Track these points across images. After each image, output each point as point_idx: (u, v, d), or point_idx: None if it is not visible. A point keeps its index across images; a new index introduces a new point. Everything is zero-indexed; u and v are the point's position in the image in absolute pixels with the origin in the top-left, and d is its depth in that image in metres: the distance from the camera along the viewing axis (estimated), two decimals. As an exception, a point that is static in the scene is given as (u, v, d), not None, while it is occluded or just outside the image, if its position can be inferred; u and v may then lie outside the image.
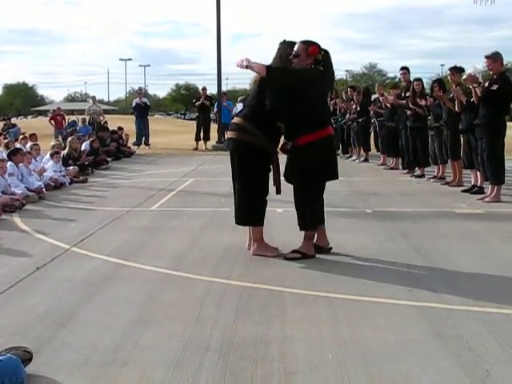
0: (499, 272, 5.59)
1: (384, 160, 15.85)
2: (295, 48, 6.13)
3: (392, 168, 14.98)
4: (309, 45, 6.11)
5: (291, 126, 6.14)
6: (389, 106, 14.66)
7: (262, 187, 6.27)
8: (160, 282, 5.47)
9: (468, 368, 3.57)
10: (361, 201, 10.02)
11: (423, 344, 3.93)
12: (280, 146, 6.36)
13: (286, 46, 6.24)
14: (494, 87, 9.47)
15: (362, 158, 17.24)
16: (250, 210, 6.30)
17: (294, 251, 6.19)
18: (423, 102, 12.33)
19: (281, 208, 8.28)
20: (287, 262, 6.02)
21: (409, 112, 13.02)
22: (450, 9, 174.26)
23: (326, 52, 6.23)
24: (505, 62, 10.35)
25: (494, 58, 9.59)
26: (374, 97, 17.23)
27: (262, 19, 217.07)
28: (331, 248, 6.36)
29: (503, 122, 9.80)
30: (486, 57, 9.59)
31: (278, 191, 6.36)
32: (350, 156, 18.10)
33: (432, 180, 12.41)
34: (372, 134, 17.64)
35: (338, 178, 6.34)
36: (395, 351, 3.83)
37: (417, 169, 13.39)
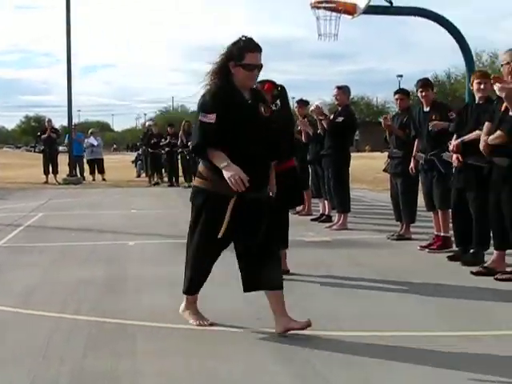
0: (349, 298, 5.83)
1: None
2: None
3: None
4: (263, 83, 6.10)
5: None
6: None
7: (207, 249, 4.70)
8: (5, 321, 5.25)
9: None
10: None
11: (268, 372, 4.02)
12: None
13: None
14: (340, 119, 9.92)
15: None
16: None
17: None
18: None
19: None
20: (138, 295, 5.94)
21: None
22: (297, 43, 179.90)
23: (282, 87, 6.35)
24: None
25: (344, 90, 10.11)
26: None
27: (117, 50, 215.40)
28: (289, 271, 6.44)
29: (348, 153, 10.27)
30: (338, 87, 10.07)
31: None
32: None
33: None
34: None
35: None
36: (243, 381, 3.88)
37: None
